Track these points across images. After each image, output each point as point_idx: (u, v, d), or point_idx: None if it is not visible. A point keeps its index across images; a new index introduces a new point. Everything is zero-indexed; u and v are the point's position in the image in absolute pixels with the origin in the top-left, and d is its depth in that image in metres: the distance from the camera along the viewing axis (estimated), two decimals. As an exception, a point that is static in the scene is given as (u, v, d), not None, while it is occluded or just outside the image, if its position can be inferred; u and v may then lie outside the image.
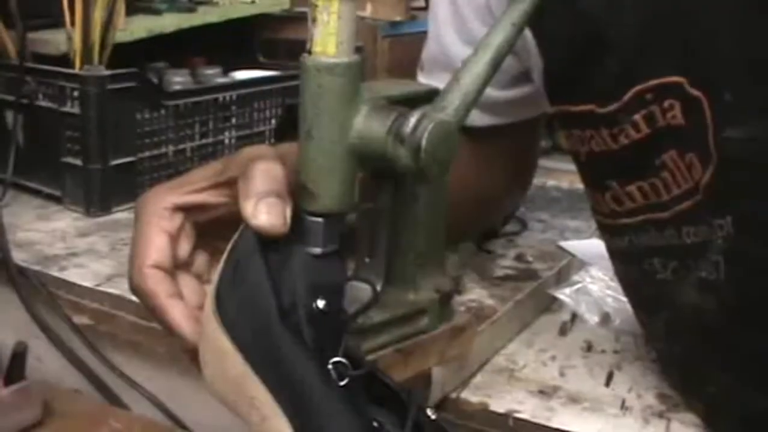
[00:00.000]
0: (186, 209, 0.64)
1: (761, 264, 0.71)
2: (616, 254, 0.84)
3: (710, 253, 0.73)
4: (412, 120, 0.57)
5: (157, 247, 0.63)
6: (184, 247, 0.65)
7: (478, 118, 0.92)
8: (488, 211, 1.07)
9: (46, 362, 1.10)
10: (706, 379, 0.79)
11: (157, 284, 0.62)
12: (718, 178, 0.71)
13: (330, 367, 0.55)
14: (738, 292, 0.73)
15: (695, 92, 0.71)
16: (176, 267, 0.64)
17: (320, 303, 0.57)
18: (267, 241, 0.58)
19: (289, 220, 0.58)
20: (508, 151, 0.98)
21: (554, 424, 0.81)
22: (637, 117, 0.74)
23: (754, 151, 0.69)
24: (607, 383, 0.89)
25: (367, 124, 0.58)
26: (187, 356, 0.63)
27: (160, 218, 0.63)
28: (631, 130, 0.74)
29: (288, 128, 1.42)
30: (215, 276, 0.60)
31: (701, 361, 0.80)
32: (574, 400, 0.85)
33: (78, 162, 1.26)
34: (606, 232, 0.83)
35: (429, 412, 0.58)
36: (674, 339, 0.82)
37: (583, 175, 0.83)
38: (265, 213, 0.58)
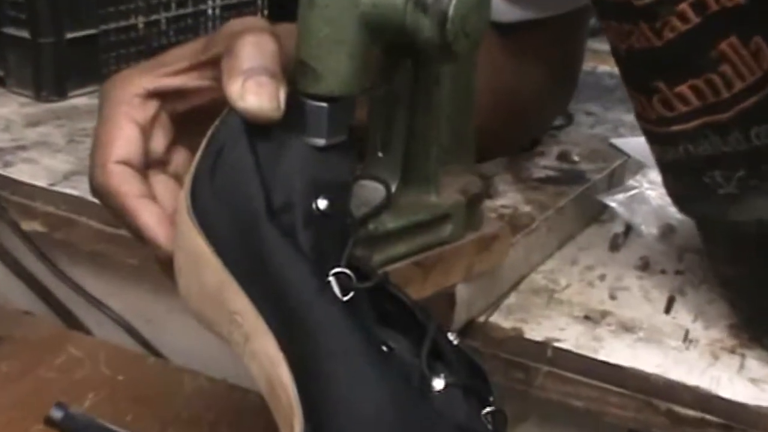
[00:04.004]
0: (162, 95, 0.64)
1: None
2: (668, 168, 0.83)
3: None
4: (437, -17, 0.57)
5: (125, 140, 0.63)
6: (159, 141, 0.65)
7: (507, 12, 0.92)
8: (525, 122, 1.07)
9: (-10, 277, 1.11)
10: None
11: (125, 183, 0.62)
12: None
13: (330, 278, 0.55)
14: None
15: None
16: (149, 165, 0.64)
17: (321, 203, 0.58)
18: (256, 129, 0.58)
19: (283, 102, 0.58)
20: (546, 50, 0.98)
21: (602, 357, 0.82)
22: (682, 6, 0.73)
23: None
24: (667, 310, 0.89)
25: (383, -12, 0.58)
26: (160, 268, 0.64)
27: (129, 106, 0.64)
28: (676, 22, 0.74)
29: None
30: (191, 168, 0.60)
31: None
32: (626, 328, 0.86)
33: (24, 34, 1.24)
34: (655, 142, 0.83)
35: (450, 336, 0.59)
36: (739, 263, 0.82)
37: (624, 76, 0.83)
38: (254, 93, 0.58)
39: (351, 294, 0.55)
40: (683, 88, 0.76)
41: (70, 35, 1.25)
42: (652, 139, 0.83)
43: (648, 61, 0.78)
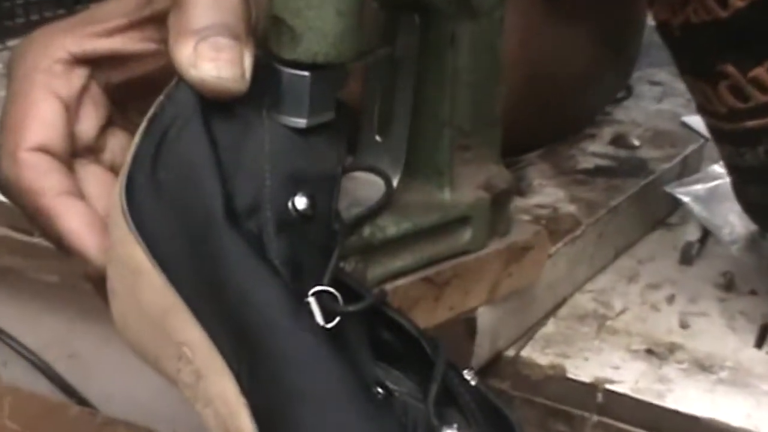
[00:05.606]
0: (92, 62, 0.65)
1: None
2: (743, 175, 0.85)
3: None
4: None
5: (43, 120, 0.64)
6: (89, 122, 0.66)
7: None
8: (571, 103, 1.08)
9: None
10: None
11: (42, 176, 0.63)
12: None
13: (310, 299, 0.56)
14: None
15: None
16: (75, 153, 0.66)
17: (300, 202, 0.59)
18: (213, 106, 0.59)
19: (249, 71, 0.59)
20: (596, 9, 0.99)
21: (670, 404, 0.82)
22: None
23: None
24: (759, 343, 0.90)
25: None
26: (91, 286, 0.65)
27: (49, 75, 0.65)
28: None
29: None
30: (127, 156, 0.61)
31: None
32: (703, 367, 0.87)
33: None
34: (724, 141, 0.84)
35: (467, 375, 0.60)
36: None
37: (678, 61, 0.84)
38: (210, 59, 0.58)
39: (336, 320, 0.56)
40: (760, 72, 0.77)
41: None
42: (721, 139, 0.83)
43: (711, 39, 0.79)
